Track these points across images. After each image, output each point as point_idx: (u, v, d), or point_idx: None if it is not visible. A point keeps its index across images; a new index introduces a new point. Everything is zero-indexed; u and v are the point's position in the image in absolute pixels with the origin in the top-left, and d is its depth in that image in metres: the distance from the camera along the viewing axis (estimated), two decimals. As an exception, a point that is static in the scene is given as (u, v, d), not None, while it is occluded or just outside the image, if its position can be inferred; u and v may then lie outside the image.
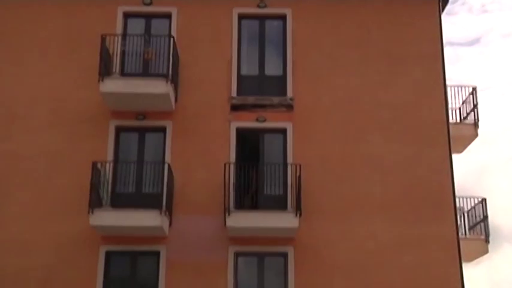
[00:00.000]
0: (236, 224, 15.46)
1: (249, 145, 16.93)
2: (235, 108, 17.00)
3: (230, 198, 15.80)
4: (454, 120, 18.27)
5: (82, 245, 15.85)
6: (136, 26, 17.58)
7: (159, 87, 16.00)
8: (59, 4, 17.69)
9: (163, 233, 15.70)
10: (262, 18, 17.88)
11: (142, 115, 16.78)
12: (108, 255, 15.97)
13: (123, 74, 16.85)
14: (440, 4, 17.97)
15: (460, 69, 47.88)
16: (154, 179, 16.02)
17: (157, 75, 16.17)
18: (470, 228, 19.00)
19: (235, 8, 17.72)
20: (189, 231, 16.02)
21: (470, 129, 18.19)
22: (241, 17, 17.79)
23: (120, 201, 16.10)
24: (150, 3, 17.67)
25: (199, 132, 16.79)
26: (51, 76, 17.13)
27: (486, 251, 18.64)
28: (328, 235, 16.12)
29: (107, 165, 16.07)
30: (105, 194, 15.97)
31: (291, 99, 17.06)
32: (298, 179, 15.63)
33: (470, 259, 18.93)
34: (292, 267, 15.96)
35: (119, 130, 16.85)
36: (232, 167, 16.16)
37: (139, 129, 16.90)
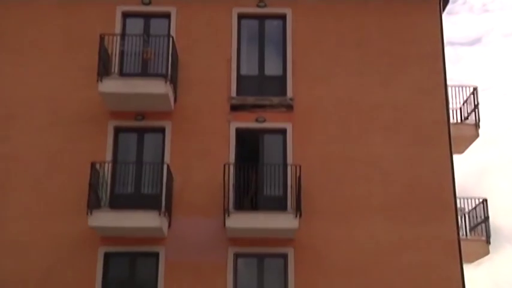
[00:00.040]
0: (236, 225, 15.40)
1: (249, 145, 16.87)
2: (234, 108, 16.94)
3: (230, 199, 15.75)
4: (455, 121, 18.22)
5: (81, 246, 15.81)
6: (135, 26, 17.52)
7: (158, 87, 15.94)
8: (57, 4, 17.64)
9: (163, 234, 15.63)
10: (262, 18, 17.82)
11: (141, 115, 16.72)
12: (107, 256, 15.91)
13: (122, 74, 16.77)
14: (441, 4, 17.92)
15: (461, 69, 47.87)
16: (153, 179, 15.97)
17: (156, 75, 16.11)
18: (471, 229, 18.94)
19: (234, 7, 17.66)
20: (189, 232, 15.96)
21: (471, 130, 18.14)
22: (240, 16, 17.73)
23: (119, 202, 16.04)
24: (149, 3, 17.61)
25: (198, 132, 16.73)
26: (50, 76, 17.08)
27: (487, 252, 18.59)
28: (328, 236, 16.07)
29: (106, 165, 16.01)
30: (104, 195, 15.91)
31: (291, 99, 17.00)
32: (298, 180, 15.57)
33: (471, 260, 18.87)
34: (292, 268, 15.91)
35: (117, 130, 16.79)
36: (231, 167, 16.10)
37: (138, 129, 16.83)
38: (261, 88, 17.24)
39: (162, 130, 16.78)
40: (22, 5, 17.62)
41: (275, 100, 17.00)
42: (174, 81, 16.50)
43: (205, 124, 16.81)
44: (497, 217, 30.28)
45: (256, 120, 16.91)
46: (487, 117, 33.92)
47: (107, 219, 15.26)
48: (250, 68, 17.51)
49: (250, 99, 17.00)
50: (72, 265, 15.73)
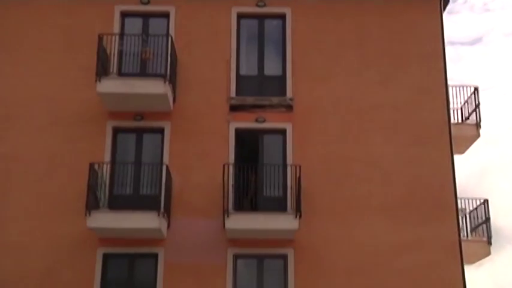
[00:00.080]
0: (235, 226, 15.33)
1: (248, 146, 16.81)
2: (234, 108, 16.88)
3: (229, 200, 15.69)
4: (456, 121, 18.16)
5: (79, 247, 15.75)
6: (134, 26, 17.47)
7: (157, 87, 15.88)
8: (56, 4, 17.57)
9: (162, 235, 15.57)
10: (261, 18, 17.76)
11: (140, 116, 16.65)
12: (106, 257, 15.86)
13: (121, 74, 16.71)
14: (442, 3, 17.87)
15: (461, 68, 47.78)
16: (152, 180, 15.90)
17: (155, 75, 16.05)
18: (472, 229, 18.85)
19: (234, 7, 17.61)
20: (188, 233, 15.90)
21: (472, 130, 18.08)
22: (240, 16, 17.67)
23: (117, 203, 15.98)
24: (147, 3, 17.55)
25: (197, 133, 16.67)
26: (49, 76, 17.03)
27: (488, 253, 18.52)
28: (328, 236, 16.01)
29: (104, 166, 15.94)
30: (103, 196, 15.85)
31: (291, 99, 16.93)
32: (298, 180, 15.50)
33: (472, 261, 18.80)
34: (292, 269, 15.85)
35: (116, 131, 16.74)
36: (231, 168, 16.05)
37: (137, 130, 16.77)
38: (261, 88, 17.18)
39: (161, 130, 16.72)
40: (22, 5, 17.57)
41: (275, 100, 16.94)
42: (173, 81, 16.44)
43: (204, 124, 16.75)
44: (498, 218, 30.20)
45: (256, 121, 16.84)
46: (488, 117, 33.92)
47: (106, 220, 15.19)
48: (249, 68, 17.46)
49: (250, 100, 16.94)
50: (71, 266, 15.68)
